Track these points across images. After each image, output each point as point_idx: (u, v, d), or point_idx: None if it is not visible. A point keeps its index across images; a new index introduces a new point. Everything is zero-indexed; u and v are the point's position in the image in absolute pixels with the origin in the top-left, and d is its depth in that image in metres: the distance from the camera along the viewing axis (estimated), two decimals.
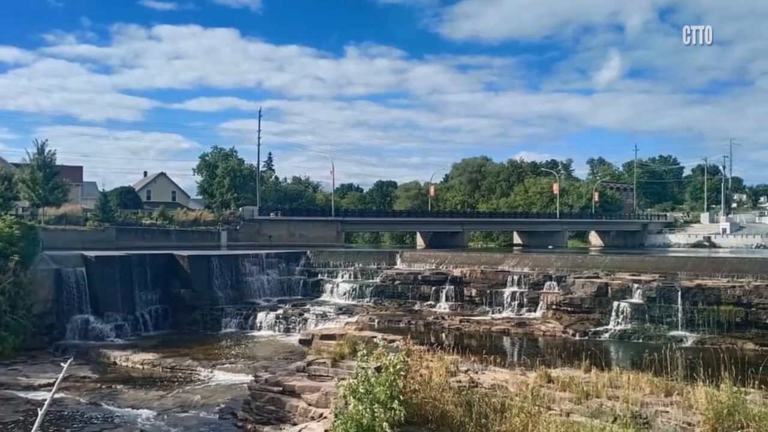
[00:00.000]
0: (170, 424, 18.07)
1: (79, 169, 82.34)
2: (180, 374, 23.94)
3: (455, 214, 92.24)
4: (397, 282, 36.51)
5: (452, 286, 35.13)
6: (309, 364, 16.33)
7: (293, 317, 32.61)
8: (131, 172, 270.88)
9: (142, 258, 35.10)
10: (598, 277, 31.59)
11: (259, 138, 78.05)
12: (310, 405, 14.97)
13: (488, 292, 33.93)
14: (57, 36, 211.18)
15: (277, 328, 32.15)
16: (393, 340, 14.64)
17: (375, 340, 14.42)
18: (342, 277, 39.89)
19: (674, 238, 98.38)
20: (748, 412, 10.26)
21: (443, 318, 31.25)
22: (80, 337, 29.68)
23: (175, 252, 37.67)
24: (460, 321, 30.23)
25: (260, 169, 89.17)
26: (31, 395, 20.68)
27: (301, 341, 27.64)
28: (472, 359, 15.29)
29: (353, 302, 36.14)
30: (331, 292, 38.37)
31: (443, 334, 27.67)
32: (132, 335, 30.96)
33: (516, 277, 34.04)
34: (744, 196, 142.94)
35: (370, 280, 38.23)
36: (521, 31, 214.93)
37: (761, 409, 10.44)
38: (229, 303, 35.26)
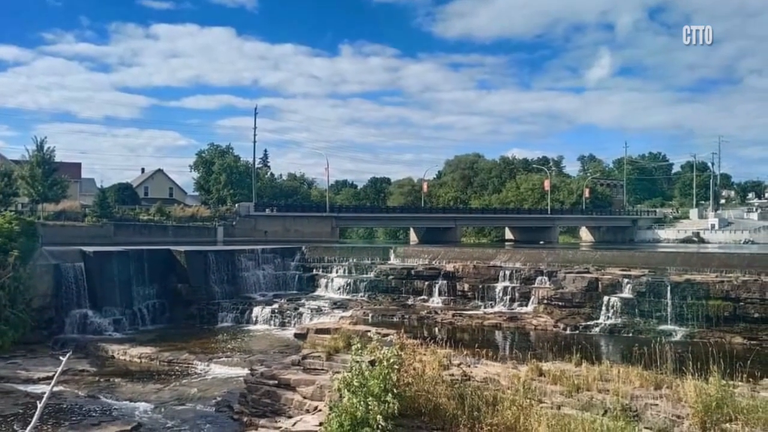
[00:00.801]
0: (167, 416, 18.29)
1: (78, 165, 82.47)
2: (177, 368, 24.17)
3: (448, 210, 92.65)
4: (391, 277, 36.84)
5: (445, 281, 35.52)
6: (304, 357, 16.49)
7: (288, 312, 32.88)
8: (129, 169, 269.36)
9: (139, 253, 35.26)
10: (588, 272, 31.96)
11: (254, 135, 78.67)
12: (305, 398, 15.10)
13: (480, 286, 34.34)
14: (56, 35, 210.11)
15: (272, 322, 32.37)
16: (387, 334, 14.81)
17: (369, 334, 14.57)
18: (336, 272, 40.22)
19: (664, 233, 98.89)
20: (736, 404, 10.47)
21: (436, 312, 31.61)
22: (79, 331, 29.88)
23: (172, 247, 37.90)
24: (453, 315, 30.61)
25: (256, 165, 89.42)
26: (31, 388, 20.91)
27: (296, 335, 27.62)
28: (465, 353, 15.47)
29: (347, 297, 36.47)
30: (326, 286, 38.71)
31: (436, 329, 28.03)
32: (130, 329, 31.17)
33: (508, 272, 34.44)
34: (732, 193, 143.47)
35: (364, 275, 38.57)
36: (513, 30, 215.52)
37: (749, 401, 10.64)
38: (225, 297, 35.55)
